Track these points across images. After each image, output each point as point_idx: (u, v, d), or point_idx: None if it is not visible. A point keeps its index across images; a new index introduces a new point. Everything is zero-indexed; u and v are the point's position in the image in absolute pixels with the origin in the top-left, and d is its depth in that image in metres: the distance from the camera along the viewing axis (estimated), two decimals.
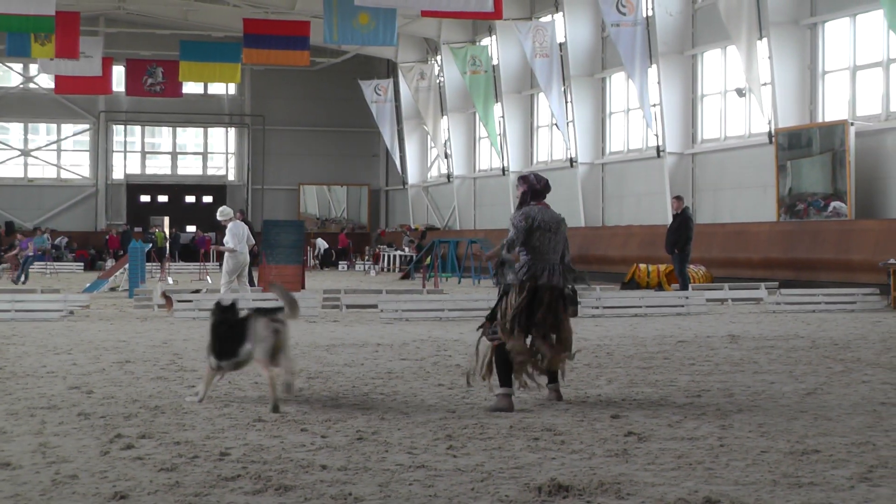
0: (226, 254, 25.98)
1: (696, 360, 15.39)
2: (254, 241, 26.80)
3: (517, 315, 11.28)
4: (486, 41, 54.59)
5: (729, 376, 13.63)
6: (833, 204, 33.03)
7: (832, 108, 34.98)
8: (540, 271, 11.40)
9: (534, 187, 11.66)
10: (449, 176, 59.78)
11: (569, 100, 47.03)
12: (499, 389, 11.24)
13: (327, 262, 61.69)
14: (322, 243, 62.24)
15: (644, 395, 12.11)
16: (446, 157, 59.83)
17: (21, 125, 67.32)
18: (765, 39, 35.66)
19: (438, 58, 59.02)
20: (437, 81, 59.57)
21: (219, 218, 26.49)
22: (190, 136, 70.62)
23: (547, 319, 11.39)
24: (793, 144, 34.61)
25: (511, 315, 11.27)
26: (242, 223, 26.75)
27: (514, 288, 11.39)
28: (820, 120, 34.88)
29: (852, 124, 32.70)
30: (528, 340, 11.40)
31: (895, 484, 7.73)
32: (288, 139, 69.78)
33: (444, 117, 59.23)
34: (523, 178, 11.79)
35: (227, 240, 25.69)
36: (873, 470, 8.16)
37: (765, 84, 36.06)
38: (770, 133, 35.96)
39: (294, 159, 69.68)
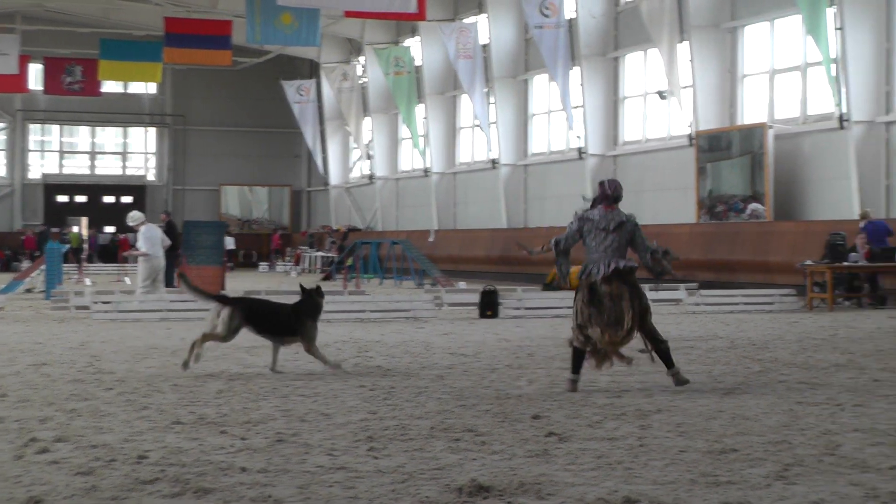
0: (140, 258, 25.75)
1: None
2: (169, 242, 26.60)
3: (578, 312, 12.59)
4: (409, 42, 54.61)
5: (648, 377, 13.69)
6: (751, 206, 33.35)
7: (751, 112, 35.32)
8: (595, 269, 12.61)
9: (604, 192, 12.82)
10: (371, 177, 59.72)
11: (492, 101, 47.13)
12: (568, 375, 12.63)
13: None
14: (229, 241, 61.89)
15: (565, 395, 12.14)
16: (368, 157, 59.80)
17: None
18: (686, 42, 35.95)
19: (361, 58, 58.98)
20: (360, 82, 59.52)
21: (129, 223, 26.23)
22: (109, 136, 70.09)
23: (608, 310, 12.42)
24: (713, 147, 34.91)
25: (575, 313, 12.66)
26: (155, 226, 26.54)
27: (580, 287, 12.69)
28: (739, 123, 35.21)
29: (771, 127, 33.05)
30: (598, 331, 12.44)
31: (810, 482, 7.80)
32: (209, 139, 69.44)
33: (367, 118, 59.17)
34: (600, 184, 13.01)
35: (140, 244, 25.43)
36: (789, 468, 8.24)
37: (685, 87, 36.35)
38: (690, 135, 36.25)
39: (215, 159, 69.35)
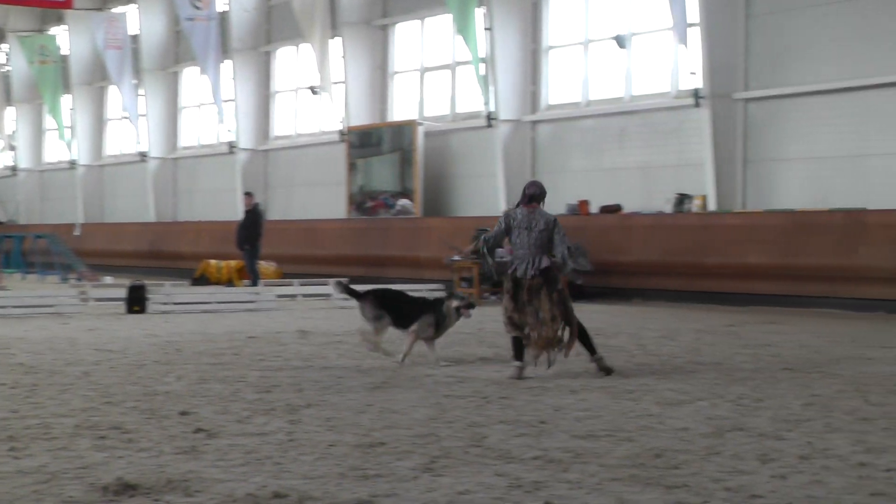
0: None
1: (266, 356, 15.41)
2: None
3: (505, 306, 13.39)
4: (55, 30, 53.10)
5: (299, 372, 13.71)
6: (401, 202, 33.83)
7: (402, 109, 35.84)
8: (520, 266, 13.30)
9: (525, 192, 13.76)
10: (14, 168, 57.83)
11: (141, 93, 46.34)
12: (513, 362, 13.34)
13: None
14: None
15: (214, 391, 12.03)
16: (11, 149, 57.89)
17: None
18: (338, 38, 36.15)
19: (5, 46, 57.04)
20: (3, 71, 57.59)
21: None
22: None
23: (533, 303, 13.19)
24: (363, 143, 35.26)
25: (504, 306, 13.43)
26: None
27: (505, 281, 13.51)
28: (390, 119, 35.69)
29: (421, 124, 33.60)
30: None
31: (457, 473, 7.94)
32: None
33: (10, 108, 57.30)
34: (525, 186, 13.96)
35: None
36: (436, 460, 8.37)
37: (337, 83, 36.58)
38: (342, 131, 36.50)
39: None
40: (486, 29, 31.23)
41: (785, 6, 26.01)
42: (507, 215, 13.77)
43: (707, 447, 8.82)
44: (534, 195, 13.67)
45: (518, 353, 13.35)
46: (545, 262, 13.30)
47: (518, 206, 13.82)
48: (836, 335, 17.91)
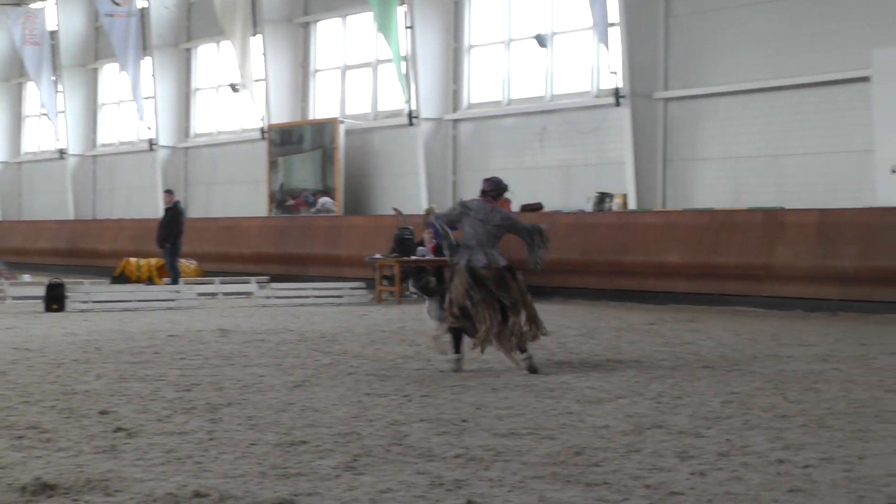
0: None
1: (186, 355, 15.33)
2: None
3: (459, 295, 13.35)
4: None
5: (219, 370, 13.66)
6: (321, 200, 33.77)
7: (323, 106, 35.79)
8: (474, 256, 13.42)
9: (482, 188, 13.92)
10: None
11: (60, 89, 45.88)
12: (451, 355, 13.56)
13: None
14: None
15: (134, 390, 11.95)
16: None
17: None
18: (259, 36, 36.02)
19: None
20: None
21: None
22: None
23: (496, 294, 13.31)
24: (285, 141, 35.17)
25: (454, 296, 13.43)
26: None
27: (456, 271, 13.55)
28: (311, 117, 35.62)
29: (342, 122, 33.56)
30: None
31: (379, 471, 7.95)
32: None
33: None
34: (483, 181, 14.06)
35: None
36: (358, 459, 8.37)
37: (258, 80, 36.45)
38: (263, 129, 36.37)
39: None
40: (407, 27, 31.24)
41: (704, 7, 26.24)
42: (463, 203, 13.97)
43: (627, 445, 8.89)
44: (485, 190, 13.89)
45: (457, 345, 13.53)
46: (502, 257, 13.58)
47: (478, 198, 13.99)
48: (755, 333, 18.09)
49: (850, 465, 8.12)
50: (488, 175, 14.52)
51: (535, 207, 28.42)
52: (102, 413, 10.41)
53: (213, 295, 27.89)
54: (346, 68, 35.16)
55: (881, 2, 23.33)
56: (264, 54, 35.86)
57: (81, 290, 25.09)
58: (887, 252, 21.46)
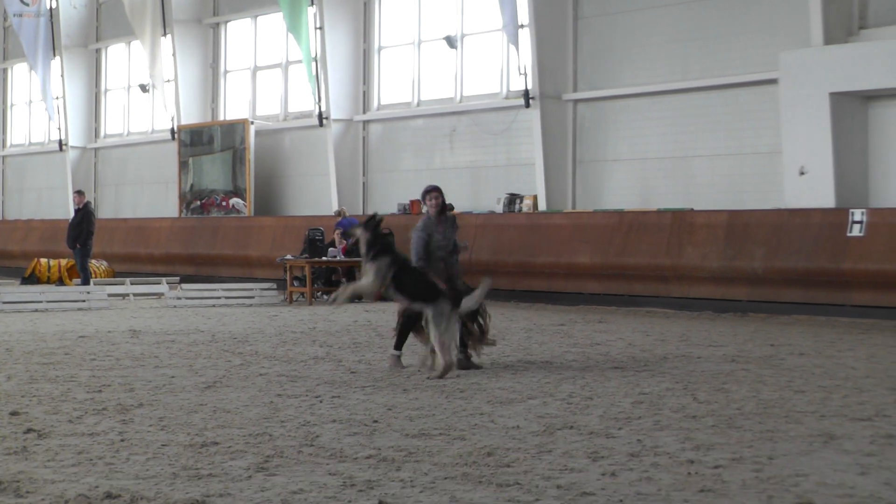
0: None
1: (97, 356, 15.24)
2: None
3: None
4: None
5: (130, 371, 13.60)
6: (232, 200, 33.67)
7: (234, 107, 35.68)
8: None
9: (432, 196, 14.20)
10: None
11: None
12: (394, 352, 13.89)
13: None
14: None
15: (45, 391, 11.87)
16: None
17: None
18: (169, 36, 35.82)
19: None
20: None
21: None
22: None
23: None
24: (195, 141, 34.99)
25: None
26: None
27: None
28: (222, 118, 35.49)
29: (252, 123, 33.47)
30: None
31: (290, 472, 7.97)
32: None
33: None
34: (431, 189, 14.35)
35: None
36: (270, 459, 8.39)
37: (168, 81, 36.24)
38: (173, 130, 36.17)
39: None
40: (317, 28, 31.21)
41: (613, 9, 26.45)
42: (426, 224, 14.03)
43: (538, 445, 8.96)
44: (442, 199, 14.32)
45: (400, 342, 13.90)
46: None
47: (424, 210, 14.27)
48: (665, 334, 18.27)
49: (759, 464, 8.24)
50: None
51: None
52: (13, 414, 10.34)
53: (124, 296, 27.71)
54: (256, 69, 35.07)
55: (787, 4, 23.64)
56: (174, 55, 35.67)
57: None
58: (795, 253, 21.75)
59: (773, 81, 23.39)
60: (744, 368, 13.80)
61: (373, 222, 13.59)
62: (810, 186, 22.27)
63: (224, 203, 33.98)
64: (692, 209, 24.13)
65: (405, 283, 13.36)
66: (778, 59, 22.99)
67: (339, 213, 28.72)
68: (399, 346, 13.95)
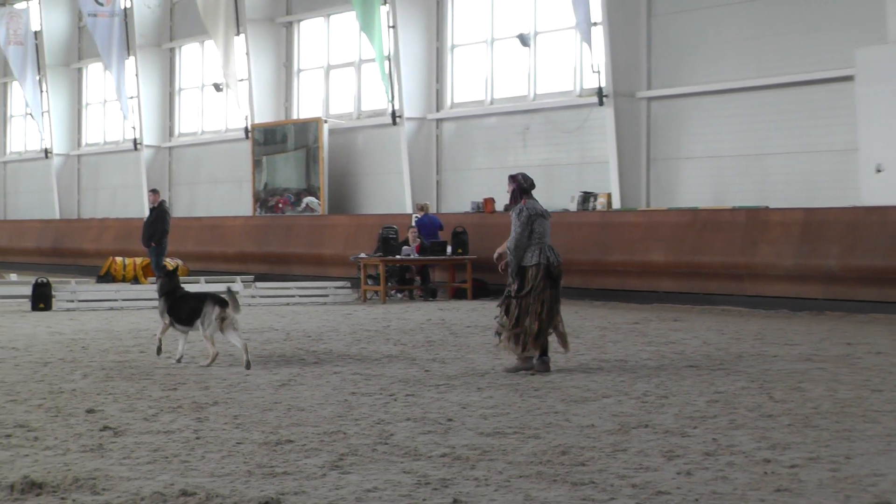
0: None
1: (172, 354, 15.32)
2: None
3: (542, 301, 13.33)
4: None
5: (205, 369, 13.67)
6: (306, 199, 33.79)
7: (307, 106, 35.78)
8: (550, 253, 13.57)
9: (521, 185, 13.76)
10: None
11: (44, 89, 45.80)
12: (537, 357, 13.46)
13: None
14: None
15: (120, 388, 11.96)
16: None
17: None
18: (242, 35, 36.00)
19: None
20: None
21: None
22: None
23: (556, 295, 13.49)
24: (268, 140, 35.15)
25: (534, 303, 13.32)
26: None
27: (530, 270, 13.43)
28: (295, 117, 35.62)
29: (326, 122, 33.56)
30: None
31: (364, 470, 7.98)
32: None
33: None
34: (512, 178, 13.89)
35: None
36: (344, 458, 8.40)
37: (242, 80, 36.42)
38: (246, 128, 36.35)
39: None
40: (390, 27, 31.24)
41: (686, 6, 26.28)
42: (521, 209, 13.72)
43: (613, 444, 8.92)
44: (532, 187, 13.95)
45: (544, 347, 13.58)
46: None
47: (521, 198, 13.85)
48: (739, 332, 18.15)
49: (836, 464, 8.16)
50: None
51: None
52: (89, 412, 10.42)
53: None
54: (329, 68, 35.16)
55: (863, 1, 23.39)
56: (247, 54, 35.84)
57: (68, 289, 25.07)
58: (871, 251, 21.53)
59: (848, 78, 23.13)
60: (820, 367, 13.67)
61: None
62: (887, 184, 22.00)
63: (298, 201, 34.09)
64: (767, 207, 23.93)
65: None
66: (853, 56, 22.75)
67: (421, 208, 28.70)
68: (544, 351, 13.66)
